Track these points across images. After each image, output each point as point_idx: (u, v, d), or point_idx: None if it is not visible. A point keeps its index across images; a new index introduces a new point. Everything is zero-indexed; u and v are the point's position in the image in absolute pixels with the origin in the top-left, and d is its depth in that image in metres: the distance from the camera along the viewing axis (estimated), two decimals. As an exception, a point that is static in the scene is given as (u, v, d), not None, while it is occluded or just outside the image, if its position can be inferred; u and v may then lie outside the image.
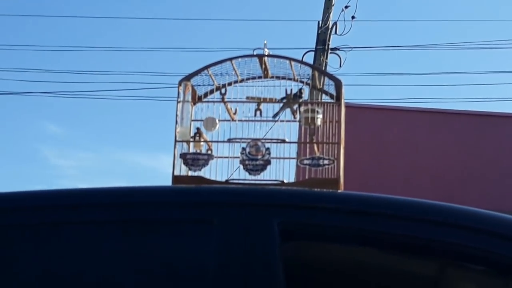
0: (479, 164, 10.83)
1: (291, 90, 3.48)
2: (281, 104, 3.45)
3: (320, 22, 13.18)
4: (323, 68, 12.48)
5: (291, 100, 3.45)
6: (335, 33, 13.14)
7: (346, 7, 12.93)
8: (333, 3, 13.21)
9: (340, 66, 13.00)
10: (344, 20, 13.01)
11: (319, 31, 13.14)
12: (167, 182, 3.40)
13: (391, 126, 11.07)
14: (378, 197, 2.68)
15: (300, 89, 3.49)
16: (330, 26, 13.17)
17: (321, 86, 3.59)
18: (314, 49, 13.13)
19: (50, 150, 29.51)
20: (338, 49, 13.24)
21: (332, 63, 13.17)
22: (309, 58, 13.01)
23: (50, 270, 2.54)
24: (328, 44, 13.17)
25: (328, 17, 13.17)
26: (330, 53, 13.22)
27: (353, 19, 12.95)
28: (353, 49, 13.35)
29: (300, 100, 3.43)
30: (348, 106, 10.54)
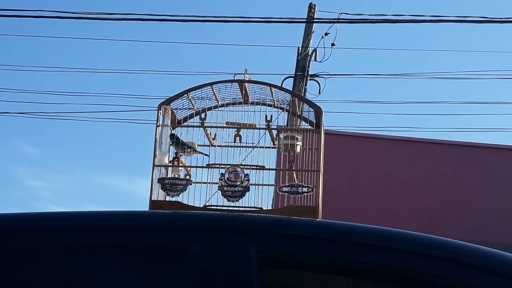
0: (457, 194, 10.86)
1: (271, 116, 3.47)
2: (260, 132, 3.44)
3: (300, 48, 13.23)
4: (302, 94, 12.50)
5: (270, 127, 3.44)
6: (315, 59, 13.19)
7: (326, 34, 12.99)
8: (313, 30, 13.27)
9: (319, 92, 13.05)
10: (324, 47, 13.07)
11: (299, 57, 13.19)
12: (144, 206, 3.37)
13: (369, 154, 11.10)
14: (356, 226, 2.67)
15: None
16: (309, 53, 13.22)
17: (296, 111, 3.58)
18: (293, 75, 13.17)
19: (25, 171, 29.33)
20: (318, 76, 13.29)
21: (311, 90, 13.22)
22: (289, 84, 13.06)
23: None
24: (308, 71, 13.22)
25: (308, 43, 13.22)
26: (310, 79, 13.27)
27: (333, 46, 13.01)
28: (333, 76, 13.41)
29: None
30: (326, 133, 10.56)
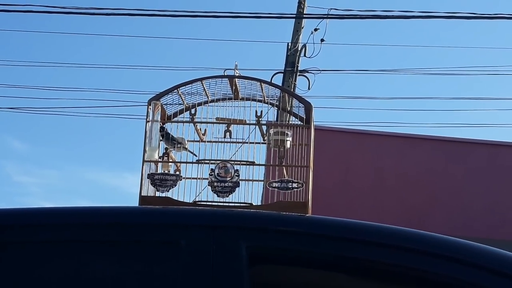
0: (446, 190, 10.90)
1: (261, 112, 3.47)
2: (251, 127, 3.44)
3: (290, 44, 13.23)
4: (292, 90, 12.51)
5: (260, 123, 3.43)
6: (304, 55, 13.20)
7: (315, 29, 13.00)
8: (302, 26, 13.27)
9: (309, 88, 13.06)
10: (314, 43, 13.08)
11: (288, 53, 13.19)
12: (133, 201, 3.36)
13: (358, 149, 11.12)
14: (346, 222, 2.68)
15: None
16: (299, 48, 13.23)
17: (286, 107, 3.58)
18: (283, 71, 13.17)
19: (13, 167, 29.24)
20: (307, 71, 13.30)
21: (300, 85, 13.23)
22: (278, 79, 13.07)
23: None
24: (297, 66, 13.22)
25: (298, 39, 13.23)
26: (299, 75, 13.28)
27: (322, 42, 13.02)
28: (322, 71, 13.42)
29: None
30: (315, 129, 10.56)
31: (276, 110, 3.64)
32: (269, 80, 9.18)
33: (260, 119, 3.46)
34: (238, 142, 3.41)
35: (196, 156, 3.40)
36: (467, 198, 10.85)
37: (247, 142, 3.39)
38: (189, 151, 3.40)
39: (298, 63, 13.24)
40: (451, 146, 11.21)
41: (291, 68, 13.12)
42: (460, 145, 11.25)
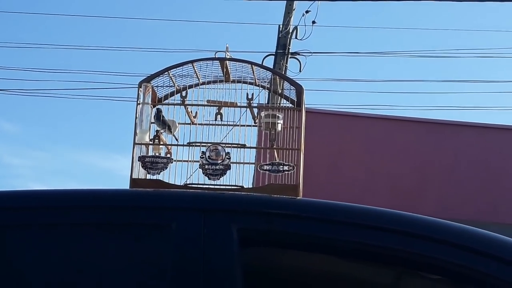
0: (436, 171, 10.92)
1: (252, 94, 3.46)
2: (241, 110, 3.43)
3: (281, 26, 13.20)
4: (283, 72, 12.49)
5: (251, 105, 3.43)
6: (296, 37, 13.18)
7: (306, 11, 12.97)
8: (294, 8, 13.24)
9: (300, 70, 13.05)
10: (305, 25, 13.06)
11: (280, 35, 13.16)
12: (124, 184, 3.36)
13: (349, 132, 11.13)
14: (336, 204, 2.68)
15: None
16: (290, 31, 13.20)
17: (277, 90, 3.57)
18: (274, 53, 13.15)
19: (3, 148, 29.17)
20: (298, 54, 13.28)
21: (292, 68, 13.21)
22: (269, 62, 13.04)
23: (9, 272, 2.49)
24: (289, 49, 13.20)
25: (289, 21, 13.20)
26: (290, 57, 13.25)
27: (314, 24, 12.99)
28: (313, 54, 13.40)
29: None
30: (306, 112, 10.56)
31: (267, 93, 3.64)
32: (260, 63, 9.17)
33: (251, 101, 3.45)
34: (229, 125, 3.40)
35: (177, 141, 3.39)
36: (458, 180, 10.88)
37: (238, 125, 3.38)
38: (174, 136, 3.39)
39: (289, 45, 13.21)
40: (441, 128, 11.23)
41: (282, 50, 13.10)
42: (450, 127, 11.26)
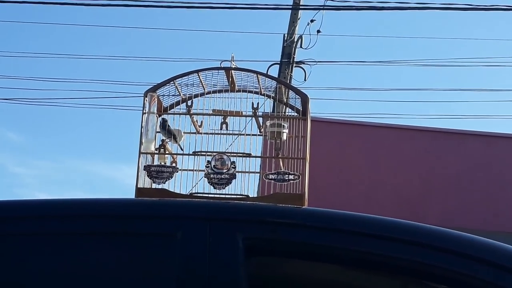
0: (440, 181, 10.91)
1: (258, 104, 3.47)
2: (247, 119, 3.44)
3: (286, 35, 13.20)
4: (288, 81, 12.49)
5: (257, 115, 3.44)
6: (301, 46, 13.17)
7: (311, 21, 12.96)
8: (298, 17, 13.24)
9: (305, 79, 13.04)
10: (310, 34, 13.05)
11: (285, 44, 13.16)
12: (128, 193, 3.36)
13: (353, 141, 11.12)
14: (341, 213, 2.68)
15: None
16: (295, 40, 13.20)
17: (282, 99, 3.58)
18: (279, 62, 13.15)
19: (8, 158, 29.17)
20: (303, 63, 13.28)
21: (297, 77, 13.21)
22: (274, 71, 13.04)
23: (15, 281, 2.49)
24: (293, 58, 13.19)
25: (294, 30, 13.20)
26: (295, 66, 13.25)
27: (319, 33, 12.99)
28: (318, 63, 13.40)
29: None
30: (311, 121, 10.56)
31: (272, 102, 3.65)
32: (265, 72, 9.17)
33: (257, 111, 3.46)
34: (235, 134, 3.41)
35: (182, 150, 3.40)
36: (462, 189, 10.86)
37: (243, 134, 3.39)
38: (179, 145, 3.40)
39: (294, 54, 13.20)
40: (446, 138, 11.21)
41: (287, 60, 13.10)
42: (455, 137, 11.25)
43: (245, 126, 3.43)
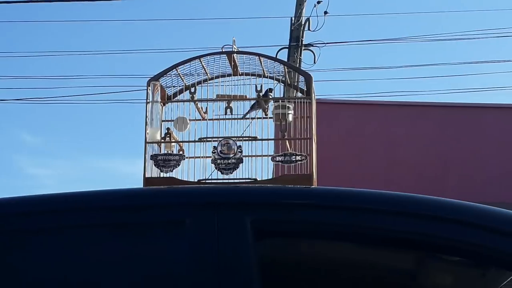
0: (459, 156, 10.85)
1: (261, 86, 3.45)
2: (251, 103, 3.42)
3: (293, 19, 13.15)
4: (297, 64, 12.45)
5: (261, 98, 3.42)
6: (308, 29, 13.12)
7: (318, 2, 12.90)
8: (305, -1, 13.19)
9: (314, 62, 12.99)
10: (317, 16, 12.99)
11: (292, 28, 13.11)
12: (140, 184, 3.35)
13: (368, 120, 11.08)
14: (351, 191, 2.66)
15: (270, 89, 3.46)
16: (303, 22, 13.15)
17: (292, 82, 3.56)
18: (287, 46, 13.10)
19: (25, 159, 29.31)
20: (312, 45, 13.23)
21: (306, 60, 13.16)
22: (283, 55, 12.99)
23: (30, 275, 2.50)
24: (302, 41, 13.14)
25: (301, 13, 13.14)
26: (304, 49, 13.20)
27: (326, 15, 12.93)
28: (327, 44, 13.34)
29: (270, 97, 3.41)
30: (324, 102, 10.58)
31: (277, 84, 3.62)
32: (274, 56, 9.13)
33: (260, 93, 3.44)
34: (240, 119, 3.40)
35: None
36: (480, 164, 10.81)
37: (248, 118, 3.38)
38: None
39: (302, 37, 13.15)
40: (461, 112, 11.15)
41: (295, 43, 13.05)
42: (470, 110, 11.18)
43: (250, 111, 3.42)
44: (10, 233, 2.57)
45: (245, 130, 3.34)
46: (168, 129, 3.42)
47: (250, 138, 3.31)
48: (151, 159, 3.25)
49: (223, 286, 2.39)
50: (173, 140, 3.42)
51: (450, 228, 2.46)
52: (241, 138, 3.29)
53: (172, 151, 3.38)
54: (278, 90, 3.62)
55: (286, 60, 12.16)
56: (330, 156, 9.56)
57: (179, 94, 3.53)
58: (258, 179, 3.24)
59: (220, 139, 3.27)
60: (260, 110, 3.46)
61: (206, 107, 3.45)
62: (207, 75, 3.53)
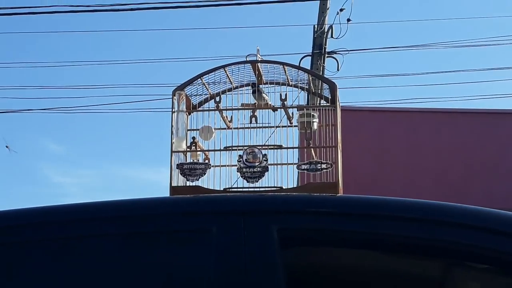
0: (482, 162, 10.80)
1: (286, 94, 3.46)
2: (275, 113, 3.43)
3: (316, 26, 13.15)
4: (321, 72, 12.44)
5: (286, 106, 3.43)
6: (331, 36, 13.11)
7: (341, 10, 12.90)
8: (328, 7, 13.17)
9: (338, 69, 12.98)
10: (340, 23, 12.98)
11: (315, 35, 13.11)
12: (166, 193, 3.38)
13: (392, 127, 11.06)
14: (377, 199, 2.66)
15: (254, 83, 3.46)
16: (325, 30, 13.14)
17: (316, 90, 3.57)
18: (311, 54, 13.10)
19: (51, 168, 29.48)
20: (335, 53, 13.22)
21: (329, 67, 13.15)
22: (306, 62, 12.99)
23: (52, 285, 2.52)
24: (325, 48, 13.13)
25: (324, 20, 13.14)
26: (327, 57, 13.19)
27: (349, 22, 12.92)
28: (350, 52, 13.32)
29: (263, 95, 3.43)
30: (348, 110, 10.58)
31: (302, 93, 3.63)
32: (298, 64, 9.14)
33: (285, 102, 3.45)
34: (265, 127, 3.41)
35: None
36: (505, 169, 10.74)
37: (273, 127, 3.39)
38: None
39: (325, 45, 13.15)
40: (486, 118, 11.10)
41: (318, 51, 13.04)
42: (495, 116, 11.13)
43: (275, 118, 3.43)
44: (40, 242, 2.60)
45: (269, 138, 3.36)
46: (193, 138, 3.44)
47: (275, 147, 3.32)
48: (177, 168, 3.27)
49: None
50: (199, 149, 3.44)
51: (476, 235, 2.46)
52: (266, 147, 3.30)
53: (198, 160, 3.40)
54: (303, 98, 3.63)
55: (309, 67, 12.17)
56: (354, 164, 9.56)
57: (204, 103, 3.55)
58: (284, 187, 3.25)
59: (245, 147, 3.29)
60: (285, 117, 3.48)
61: (231, 116, 3.47)
62: (231, 84, 3.55)
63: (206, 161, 3.39)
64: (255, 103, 3.47)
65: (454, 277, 2.68)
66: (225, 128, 3.47)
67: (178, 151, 3.34)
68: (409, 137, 10.94)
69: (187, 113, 3.44)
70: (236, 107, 3.49)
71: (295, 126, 3.46)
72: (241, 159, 3.24)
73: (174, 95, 3.39)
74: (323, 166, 3.24)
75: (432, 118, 11.18)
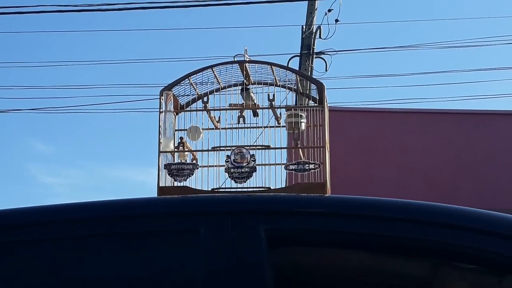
0: (470, 162, 10.84)
1: (274, 95, 3.46)
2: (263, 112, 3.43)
3: (304, 27, 13.16)
4: (309, 72, 12.45)
5: (274, 106, 3.43)
6: (320, 37, 13.13)
7: (329, 10, 12.92)
8: (316, 7, 13.19)
9: (326, 70, 12.99)
10: (328, 24, 13.00)
11: (303, 36, 13.12)
12: (154, 193, 3.37)
13: (379, 128, 11.08)
14: (364, 199, 2.66)
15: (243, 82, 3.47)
16: (314, 31, 13.15)
17: (304, 91, 3.57)
18: (299, 54, 13.11)
19: (38, 168, 29.41)
20: (323, 53, 13.23)
21: (318, 68, 13.16)
22: (295, 63, 13.00)
23: (42, 284, 2.51)
24: (313, 49, 13.15)
25: (312, 21, 13.15)
26: (316, 57, 13.21)
27: (337, 23, 12.94)
28: (338, 52, 13.34)
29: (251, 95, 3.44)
30: (335, 110, 10.60)
31: (289, 93, 3.63)
32: (286, 64, 9.14)
33: (273, 102, 3.45)
34: (253, 127, 3.41)
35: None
36: (493, 170, 10.78)
37: (261, 127, 3.39)
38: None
39: (314, 45, 13.16)
40: (474, 118, 11.14)
41: (307, 51, 13.06)
42: (483, 117, 11.17)
43: (262, 118, 3.44)
44: (30, 243, 2.59)
45: (257, 138, 3.36)
46: (181, 138, 3.43)
47: (263, 147, 3.32)
48: (165, 168, 3.27)
49: None
50: (187, 149, 3.44)
51: (465, 235, 2.47)
52: (254, 147, 3.29)
53: (186, 160, 3.40)
54: (291, 99, 3.64)
55: (297, 68, 12.18)
56: (342, 164, 9.59)
57: (191, 104, 3.54)
58: (272, 188, 3.25)
59: (233, 148, 3.29)
60: (273, 118, 3.48)
61: (219, 116, 3.47)
62: (219, 84, 3.54)
63: (194, 161, 3.39)
64: (243, 103, 3.47)
65: (443, 278, 2.69)
66: (213, 129, 3.47)
67: (166, 152, 3.34)
68: (397, 138, 10.97)
69: (174, 113, 3.44)
70: (224, 107, 3.49)
71: (283, 126, 3.46)
72: (229, 160, 3.23)
73: (162, 95, 3.39)
74: (311, 166, 3.25)
75: (420, 119, 11.21)
